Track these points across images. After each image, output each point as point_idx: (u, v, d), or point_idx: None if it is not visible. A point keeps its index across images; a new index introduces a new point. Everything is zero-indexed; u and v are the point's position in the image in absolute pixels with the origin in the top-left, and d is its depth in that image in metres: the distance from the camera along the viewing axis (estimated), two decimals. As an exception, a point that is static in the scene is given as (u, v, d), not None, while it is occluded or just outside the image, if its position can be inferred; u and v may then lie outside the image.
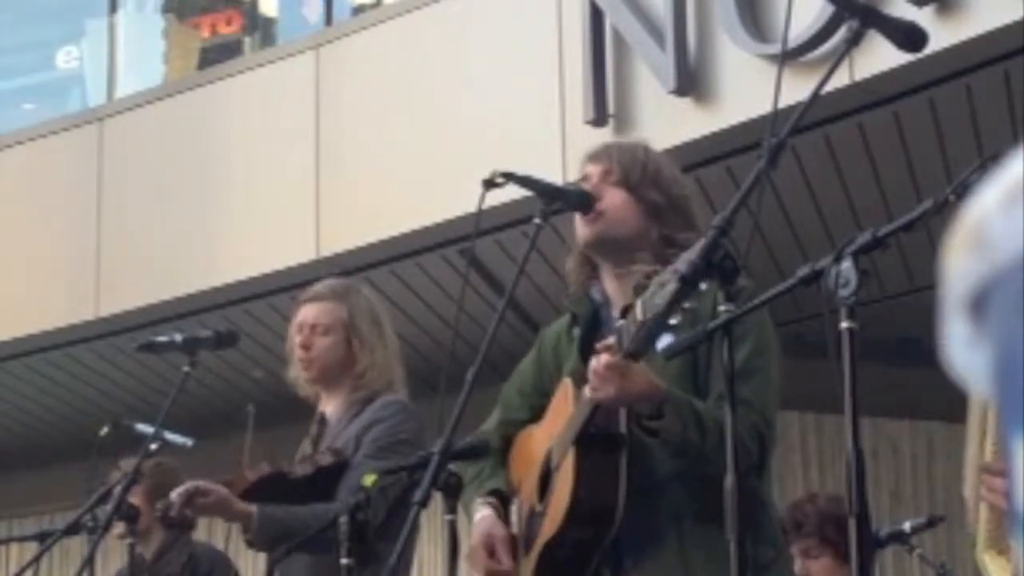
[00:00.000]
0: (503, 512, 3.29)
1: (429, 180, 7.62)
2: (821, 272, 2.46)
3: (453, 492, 3.18)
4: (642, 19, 6.92)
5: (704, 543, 2.97)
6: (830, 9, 5.69)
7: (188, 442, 4.46)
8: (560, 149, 7.11)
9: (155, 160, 8.87)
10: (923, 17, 5.71)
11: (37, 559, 4.50)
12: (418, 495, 2.86)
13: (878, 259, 2.45)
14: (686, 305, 2.58)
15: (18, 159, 9.44)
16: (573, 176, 3.47)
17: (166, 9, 10.77)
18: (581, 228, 3.20)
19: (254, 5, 10.50)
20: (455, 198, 6.81)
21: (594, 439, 3.04)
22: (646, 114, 6.92)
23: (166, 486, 4.06)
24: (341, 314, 4.07)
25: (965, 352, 0.71)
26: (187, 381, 3.94)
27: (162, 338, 4.10)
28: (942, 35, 5.80)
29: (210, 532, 7.76)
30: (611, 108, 7.00)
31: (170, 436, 4.24)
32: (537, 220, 3.04)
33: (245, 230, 8.40)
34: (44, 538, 4.93)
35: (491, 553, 3.21)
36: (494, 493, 3.30)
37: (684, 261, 2.59)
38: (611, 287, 3.23)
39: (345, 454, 3.90)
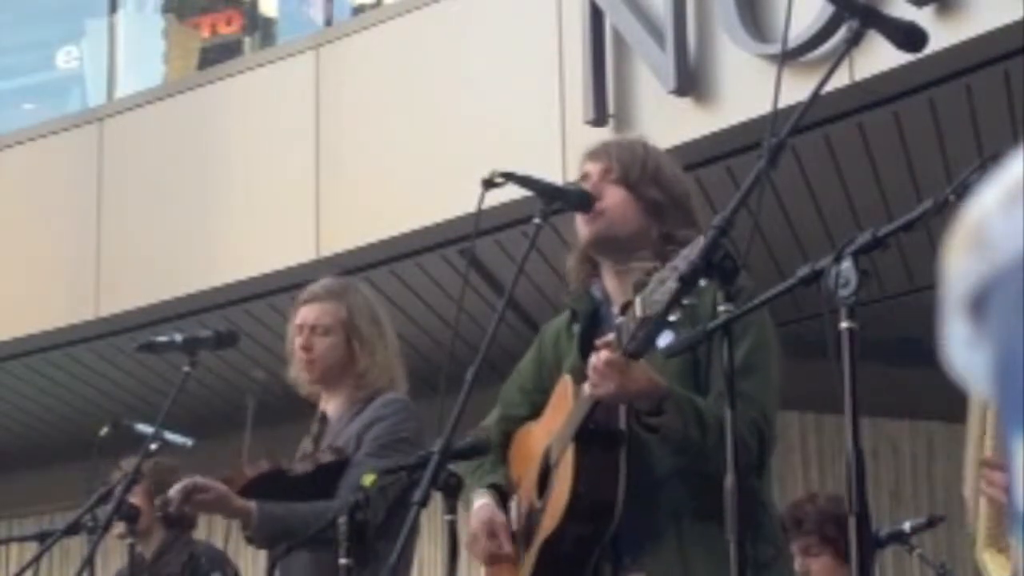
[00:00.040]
0: (502, 506, 3.29)
1: (429, 180, 7.62)
2: (821, 272, 2.46)
3: (453, 492, 3.18)
4: (642, 19, 6.92)
5: (703, 540, 2.97)
6: (830, 9, 5.69)
7: (188, 442, 4.47)
8: (560, 149, 7.10)
9: (155, 160, 8.87)
10: (923, 17, 5.71)
11: (37, 559, 4.50)
12: (417, 495, 2.86)
13: (878, 259, 2.45)
14: (685, 301, 2.59)
15: (18, 159, 9.44)
16: (573, 176, 3.46)
17: (166, 9, 10.77)
18: (582, 228, 3.20)
19: (254, 5, 10.50)
20: (455, 198, 6.80)
21: (593, 435, 3.04)
22: (646, 114, 6.91)
23: (166, 485, 4.05)
24: (341, 314, 4.07)
25: (965, 352, 0.71)
26: (187, 381, 3.94)
27: (162, 338, 4.10)
28: (942, 35, 5.80)
29: (210, 530, 7.76)
30: (611, 108, 7.00)
31: (170, 436, 4.24)
32: (536, 220, 3.04)
33: (245, 230, 8.40)
34: (44, 538, 4.93)
35: (492, 538, 3.20)
36: (493, 488, 3.31)
37: (683, 258, 2.60)
38: (611, 284, 3.23)
39: (346, 452, 3.90)
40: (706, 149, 6.66)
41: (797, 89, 3.45)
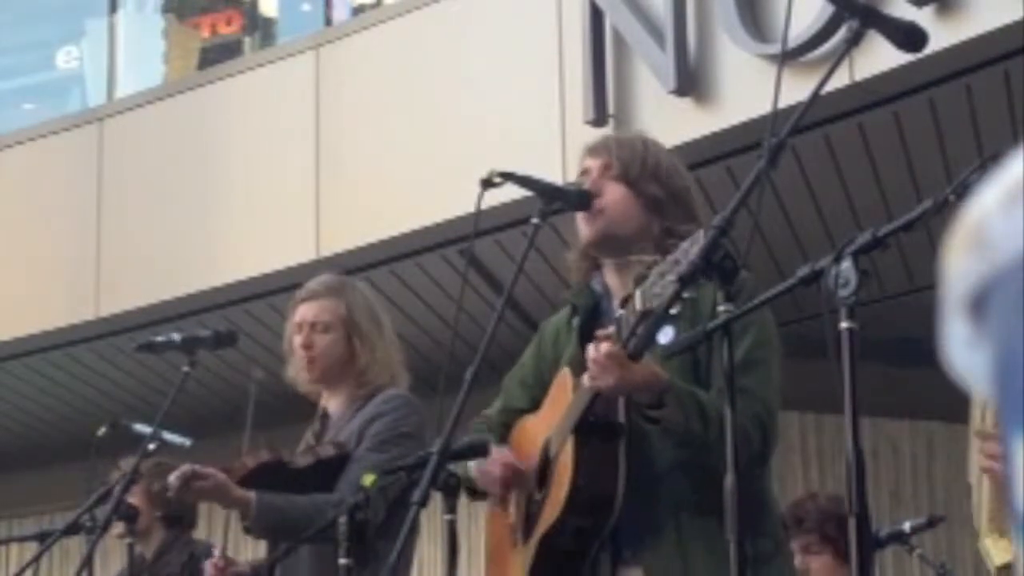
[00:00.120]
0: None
1: (429, 180, 7.62)
2: (821, 272, 2.46)
3: (452, 492, 3.18)
4: (642, 19, 6.92)
5: (703, 535, 2.96)
6: (830, 9, 5.69)
7: (186, 442, 4.46)
8: (560, 149, 7.10)
9: (155, 160, 8.87)
10: (923, 17, 5.70)
11: (37, 559, 4.50)
12: (417, 495, 2.86)
13: (878, 259, 2.45)
14: (685, 295, 2.59)
15: (18, 159, 9.44)
16: (573, 176, 3.46)
17: (166, 9, 10.78)
18: (583, 227, 3.19)
19: (254, 5, 10.50)
20: (455, 198, 6.80)
21: (593, 427, 3.03)
22: (646, 114, 6.91)
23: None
24: (340, 311, 4.06)
25: (965, 352, 0.71)
26: (187, 381, 3.94)
27: (162, 338, 4.10)
28: (942, 35, 5.80)
29: (210, 523, 7.75)
30: (611, 108, 7.00)
31: (168, 436, 4.24)
32: (535, 220, 3.04)
33: (245, 230, 8.40)
34: (44, 538, 4.93)
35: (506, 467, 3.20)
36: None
37: (683, 252, 2.60)
38: (612, 278, 3.23)
39: (347, 447, 3.89)
40: (706, 149, 6.66)
41: (797, 89, 3.46)
